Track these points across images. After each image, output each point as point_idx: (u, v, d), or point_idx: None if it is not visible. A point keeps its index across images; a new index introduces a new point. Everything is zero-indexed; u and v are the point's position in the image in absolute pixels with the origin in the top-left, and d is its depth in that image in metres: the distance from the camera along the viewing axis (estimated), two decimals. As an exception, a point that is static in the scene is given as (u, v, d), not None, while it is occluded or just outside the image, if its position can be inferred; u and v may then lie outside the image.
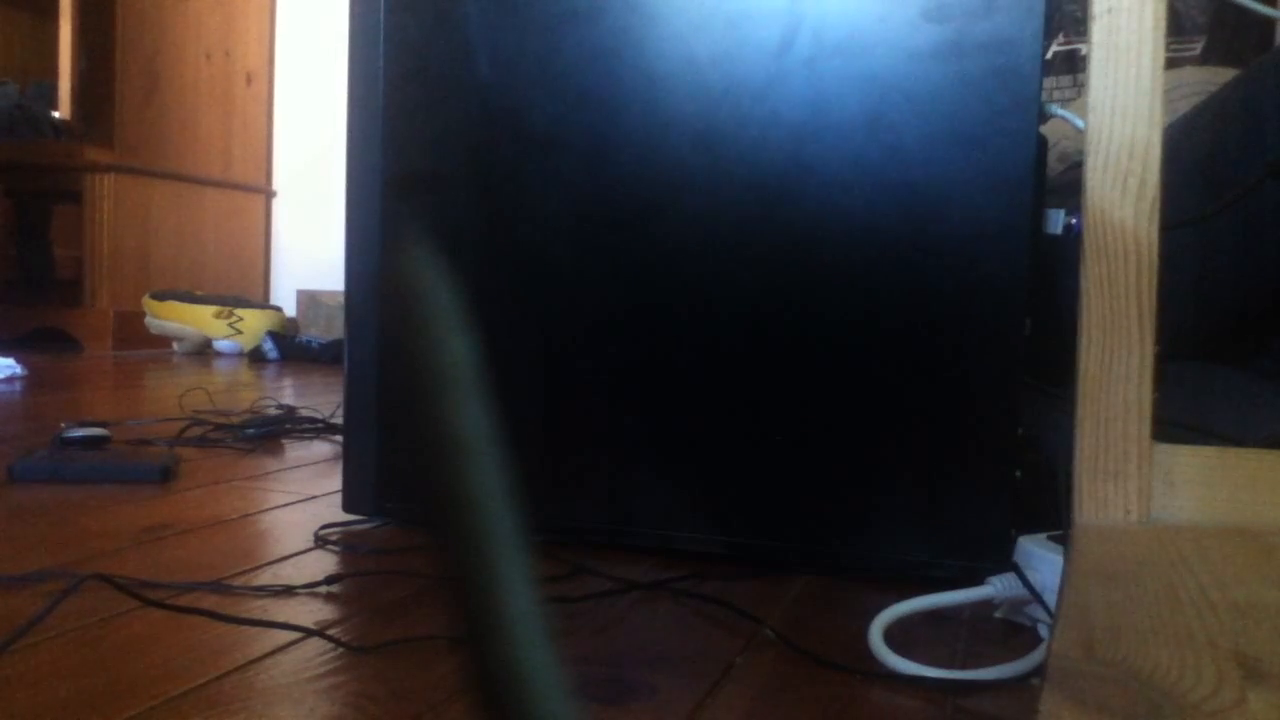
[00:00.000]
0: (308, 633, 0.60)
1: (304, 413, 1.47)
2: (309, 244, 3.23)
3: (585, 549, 0.81)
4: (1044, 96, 0.73)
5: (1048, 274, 0.80)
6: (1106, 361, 0.53)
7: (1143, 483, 0.52)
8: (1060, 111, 0.76)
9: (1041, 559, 0.64)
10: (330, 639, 0.59)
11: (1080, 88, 1.61)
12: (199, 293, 2.82)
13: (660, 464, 0.81)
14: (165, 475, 1.03)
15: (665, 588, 0.72)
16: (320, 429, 1.38)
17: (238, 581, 0.70)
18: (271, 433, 1.33)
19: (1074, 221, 0.98)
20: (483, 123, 0.84)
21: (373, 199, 0.87)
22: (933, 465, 0.75)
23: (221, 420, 1.42)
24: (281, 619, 0.62)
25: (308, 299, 3.17)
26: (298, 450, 1.25)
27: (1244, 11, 1.40)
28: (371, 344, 0.89)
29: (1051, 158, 1.24)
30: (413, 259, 0.16)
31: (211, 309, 2.73)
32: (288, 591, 0.69)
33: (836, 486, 0.77)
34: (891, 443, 0.76)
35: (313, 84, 3.21)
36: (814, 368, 0.77)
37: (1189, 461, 0.52)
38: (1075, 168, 1.21)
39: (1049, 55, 1.65)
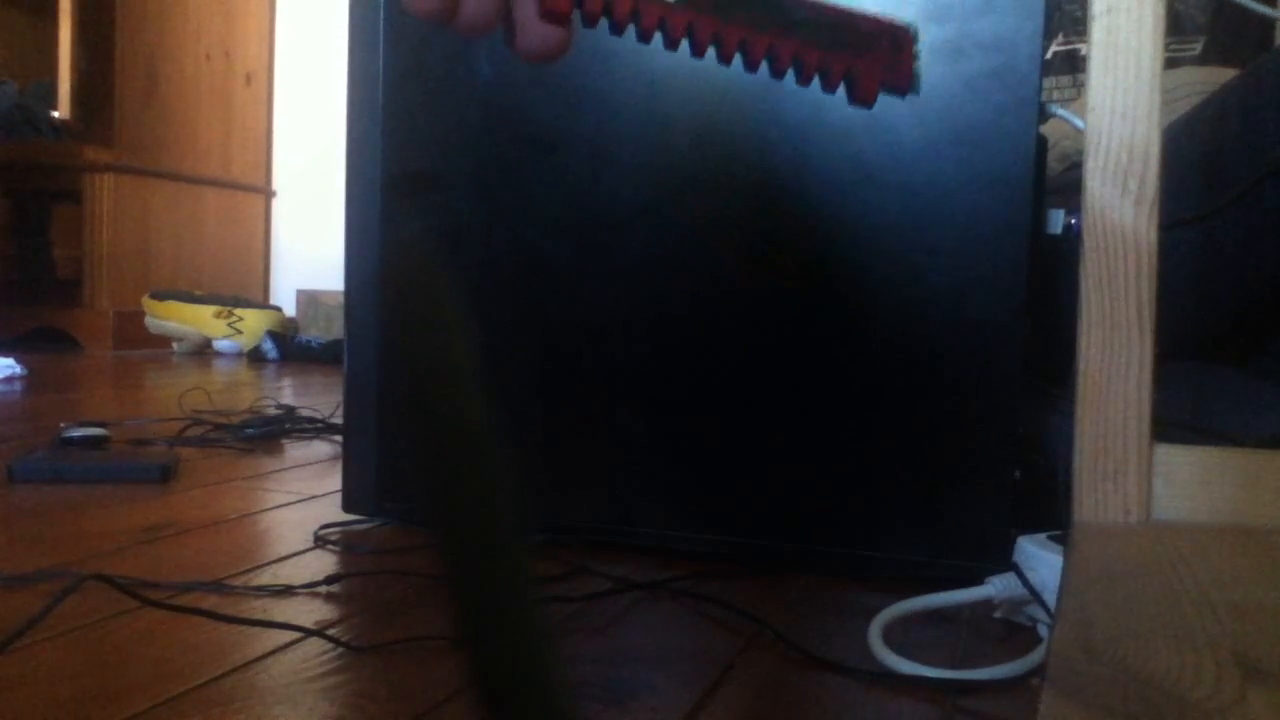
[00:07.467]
0: (308, 633, 0.60)
1: (304, 413, 1.47)
2: (309, 244, 3.22)
3: (585, 549, 0.81)
4: (1044, 96, 0.73)
5: (1048, 274, 0.80)
6: (1106, 361, 0.53)
7: (1143, 483, 0.52)
8: (1060, 111, 0.76)
9: (1041, 559, 0.64)
10: (330, 639, 0.59)
11: (1080, 88, 1.61)
12: (199, 293, 2.82)
13: (660, 464, 0.81)
14: (165, 475, 1.03)
15: (665, 588, 0.72)
16: (320, 429, 1.38)
17: (237, 581, 0.70)
18: (271, 433, 1.33)
19: (1074, 221, 0.98)
20: (483, 123, 0.84)
21: (373, 199, 0.87)
22: (933, 465, 0.75)
23: (221, 420, 1.42)
24: (281, 619, 0.62)
25: (307, 299, 3.17)
26: (298, 450, 1.25)
27: (1244, 11, 1.40)
28: (371, 344, 0.89)
29: (1051, 158, 1.24)
30: (412, 258, 0.16)
31: (211, 309, 2.73)
32: (287, 591, 0.69)
33: (836, 486, 0.77)
34: (891, 443, 0.76)
35: (313, 84, 3.21)
36: (814, 368, 0.77)
37: (1189, 461, 0.52)
38: (1075, 168, 1.21)
39: (1049, 55, 1.64)
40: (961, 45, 0.73)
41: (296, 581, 0.70)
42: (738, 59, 0.39)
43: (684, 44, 0.39)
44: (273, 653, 0.57)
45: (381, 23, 0.86)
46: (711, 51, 0.39)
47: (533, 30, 0.39)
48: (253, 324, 2.73)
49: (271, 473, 1.10)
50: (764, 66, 0.39)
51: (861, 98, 0.40)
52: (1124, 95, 0.52)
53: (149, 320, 2.72)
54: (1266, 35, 1.56)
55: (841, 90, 0.40)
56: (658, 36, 0.39)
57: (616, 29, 0.39)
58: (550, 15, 0.38)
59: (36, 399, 1.66)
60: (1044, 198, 0.84)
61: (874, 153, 0.75)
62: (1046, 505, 0.71)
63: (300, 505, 0.95)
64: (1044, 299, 0.76)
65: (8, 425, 1.36)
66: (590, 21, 0.39)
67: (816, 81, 0.40)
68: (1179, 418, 0.78)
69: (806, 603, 0.71)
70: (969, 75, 0.73)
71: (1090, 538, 0.49)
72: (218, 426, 1.36)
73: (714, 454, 0.79)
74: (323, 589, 0.69)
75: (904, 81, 0.40)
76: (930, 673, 0.57)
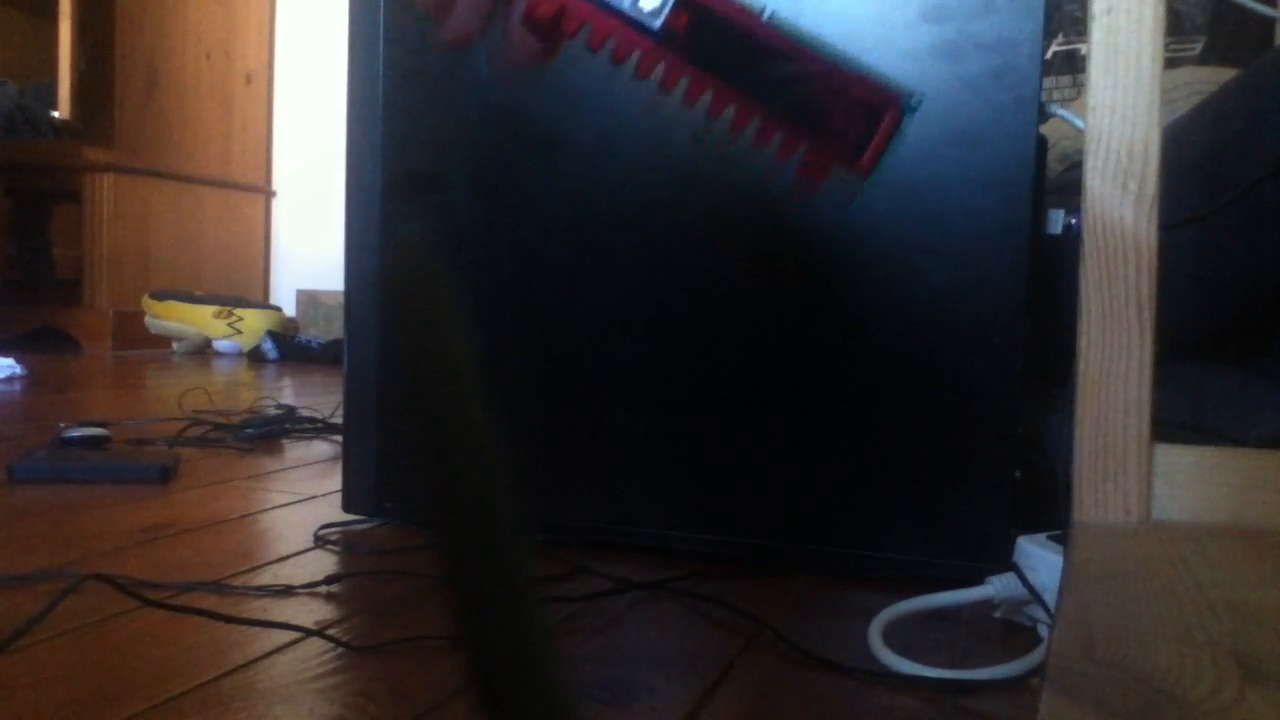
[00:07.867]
0: (308, 633, 0.60)
1: (304, 413, 1.47)
2: (309, 244, 3.23)
3: (585, 549, 0.81)
4: (1044, 96, 0.73)
5: (1048, 274, 0.80)
6: (1106, 361, 0.53)
7: (1143, 483, 0.52)
8: (1060, 111, 0.76)
9: (1041, 559, 0.64)
10: (330, 639, 0.59)
11: (1080, 88, 1.61)
12: (199, 293, 2.82)
13: (660, 464, 0.81)
14: (165, 475, 1.03)
15: (665, 588, 0.72)
16: (320, 429, 1.38)
17: (238, 581, 0.70)
18: (271, 433, 1.33)
19: (1074, 221, 0.98)
20: (483, 123, 0.84)
21: (373, 199, 0.87)
22: (933, 465, 0.75)
23: (221, 420, 1.42)
24: (281, 619, 0.62)
25: (307, 299, 3.17)
26: (298, 450, 1.25)
27: (1244, 11, 1.40)
28: (371, 344, 0.89)
29: (1051, 158, 1.24)
30: (412, 258, 0.16)
31: (211, 309, 2.73)
32: (288, 591, 0.69)
33: (836, 486, 0.77)
34: (891, 442, 0.76)
35: (313, 84, 3.21)
36: (814, 367, 0.77)
37: (1189, 461, 0.52)
38: (1075, 168, 1.21)
39: (1049, 55, 1.65)
40: (961, 45, 0.73)
41: (296, 581, 0.70)
42: (704, 101, 0.40)
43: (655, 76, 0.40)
44: (273, 653, 0.57)
45: (381, 23, 0.86)
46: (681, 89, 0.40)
47: (515, 37, 0.40)
48: (253, 324, 2.73)
49: (271, 473, 1.10)
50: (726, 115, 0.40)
51: (805, 181, 0.40)
52: (1124, 95, 0.52)
53: (149, 320, 2.72)
54: (1266, 35, 1.56)
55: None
56: (631, 63, 0.40)
57: (590, 47, 0.39)
58: (531, 22, 0.39)
59: (36, 399, 1.66)
60: (1044, 198, 0.84)
61: (874, 153, 0.75)
62: (1046, 505, 0.71)
63: (300, 505, 0.95)
64: (1044, 299, 0.76)
65: (8, 425, 1.36)
66: (564, 35, 0.40)
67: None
68: (1179, 418, 0.78)
69: (806, 603, 0.71)
70: (969, 75, 0.73)
71: (1090, 538, 0.49)
72: (218, 426, 1.36)
73: (714, 454, 0.79)
74: (323, 589, 0.69)
75: (863, 163, 0.40)
76: (930, 673, 0.57)
